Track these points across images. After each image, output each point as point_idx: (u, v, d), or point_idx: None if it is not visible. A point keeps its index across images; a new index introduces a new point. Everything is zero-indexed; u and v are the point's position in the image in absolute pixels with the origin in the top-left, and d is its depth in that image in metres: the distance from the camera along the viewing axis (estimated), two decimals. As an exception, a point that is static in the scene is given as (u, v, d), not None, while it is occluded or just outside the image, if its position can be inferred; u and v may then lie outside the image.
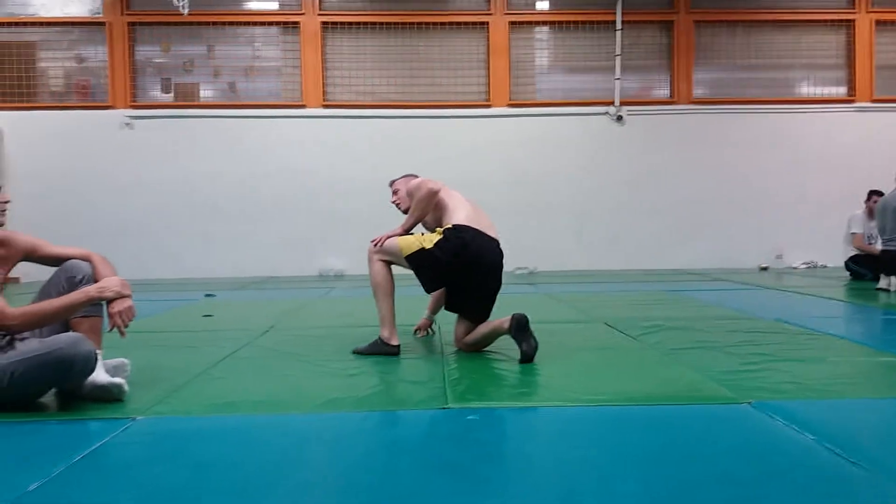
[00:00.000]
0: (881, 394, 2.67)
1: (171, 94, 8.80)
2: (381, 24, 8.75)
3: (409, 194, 3.50)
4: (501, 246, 3.43)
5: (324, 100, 8.72)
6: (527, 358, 3.11)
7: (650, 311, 4.85)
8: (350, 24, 8.74)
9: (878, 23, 8.91)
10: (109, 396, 2.51)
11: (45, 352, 2.34)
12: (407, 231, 3.43)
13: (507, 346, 3.44)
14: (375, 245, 3.38)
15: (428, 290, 3.43)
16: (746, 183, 8.86)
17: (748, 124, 8.89)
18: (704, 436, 2.19)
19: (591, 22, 8.83)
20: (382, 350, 3.37)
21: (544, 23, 8.98)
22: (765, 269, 8.64)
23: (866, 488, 1.75)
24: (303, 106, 8.70)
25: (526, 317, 3.17)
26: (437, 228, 3.38)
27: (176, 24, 8.56)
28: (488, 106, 8.81)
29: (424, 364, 3.20)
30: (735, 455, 1.98)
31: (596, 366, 3.16)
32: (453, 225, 3.30)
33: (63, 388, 2.52)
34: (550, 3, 9.01)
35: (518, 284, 7.16)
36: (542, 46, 9.07)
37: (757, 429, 2.23)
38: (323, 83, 8.72)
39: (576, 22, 8.86)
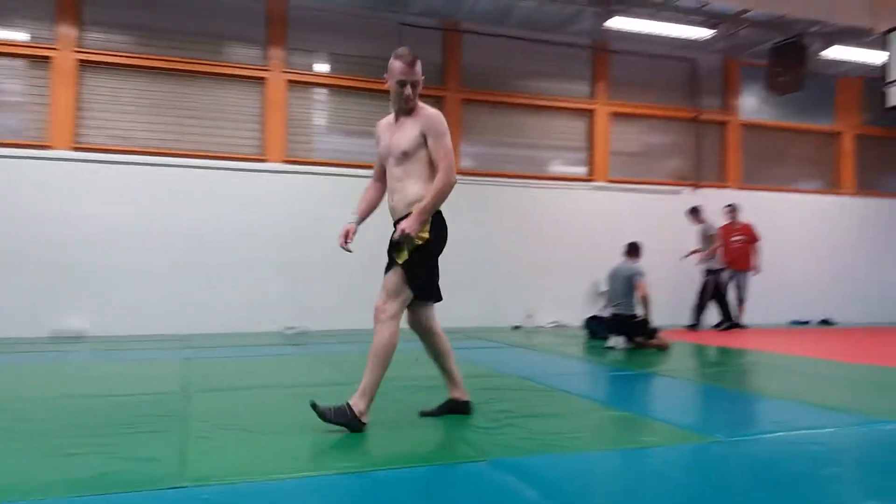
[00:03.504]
0: (605, 446, 2.91)
1: None
2: (149, 68, 8.26)
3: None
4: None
5: (74, 142, 7.95)
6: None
7: (405, 371, 4.90)
8: (112, 64, 8.14)
9: (614, 114, 10.29)
10: None
11: None
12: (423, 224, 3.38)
13: (271, 410, 3.29)
14: (402, 234, 3.23)
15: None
16: (501, 249, 9.54)
17: (506, 196, 9.68)
18: (444, 498, 2.25)
19: (368, 89, 9.11)
20: (353, 426, 3.03)
21: (323, 85, 9.10)
22: (517, 327, 9.31)
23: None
24: (48, 147, 7.86)
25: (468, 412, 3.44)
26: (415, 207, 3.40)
27: None
28: (264, 160, 8.64)
29: (163, 436, 2.94)
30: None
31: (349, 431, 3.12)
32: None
33: None
34: (330, 68, 9.16)
35: (286, 345, 6.97)
36: (320, 107, 9.16)
37: (490, 487, 2.32)
38: (74, 123, 7.96)
39: (353, 87, 9.10)
